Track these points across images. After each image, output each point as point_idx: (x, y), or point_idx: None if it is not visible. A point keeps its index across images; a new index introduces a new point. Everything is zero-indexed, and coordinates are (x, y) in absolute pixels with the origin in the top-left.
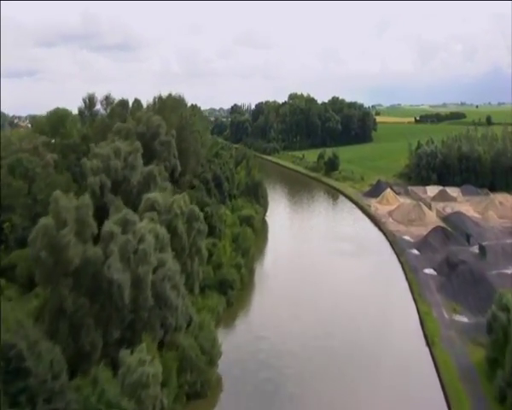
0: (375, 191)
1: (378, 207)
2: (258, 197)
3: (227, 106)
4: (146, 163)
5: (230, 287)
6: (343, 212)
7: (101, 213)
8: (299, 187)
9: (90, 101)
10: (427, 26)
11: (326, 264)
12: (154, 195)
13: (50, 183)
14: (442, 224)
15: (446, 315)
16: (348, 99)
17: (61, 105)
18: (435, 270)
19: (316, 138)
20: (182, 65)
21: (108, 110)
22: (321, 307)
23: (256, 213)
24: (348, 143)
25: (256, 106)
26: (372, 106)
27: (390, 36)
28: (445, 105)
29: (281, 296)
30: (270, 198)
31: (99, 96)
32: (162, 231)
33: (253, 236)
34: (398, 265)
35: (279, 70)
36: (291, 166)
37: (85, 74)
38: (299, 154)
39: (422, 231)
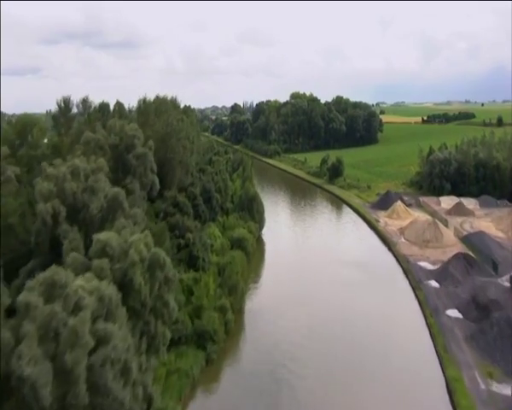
0: (384, 203)
1: (388, 222)
2: (253, 213)
3: (230, 104)
4: (119, 181)
5: (211, 339)
6: (348, 227)
7: (56, 248)
8: (300, 195)
9: (65, 105)
10: (431, 24)
11: (328, 301)
12: (106, 235)
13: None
14: (461, 245)
15: (482, 383)
16: (352, 97)
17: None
18: (460, 311)
19: (319, 140)
20: (185, 62)
21: (86, 115)
22: (318, 369)
23: (250, 232)
24: (353, 145)
25: (257, 105)
26: (376, 104)
27: (394, 33)
28: (449, 103)
29: (274, 345)
30: (268, 209)
31: (105, 92)
32: (110, 290)
33: (245, 261)
34: (414, 302)
35: (282, 68)
36: (292, 170)
37: (88, 72)
38: (301, 157)
39: (440, 254)
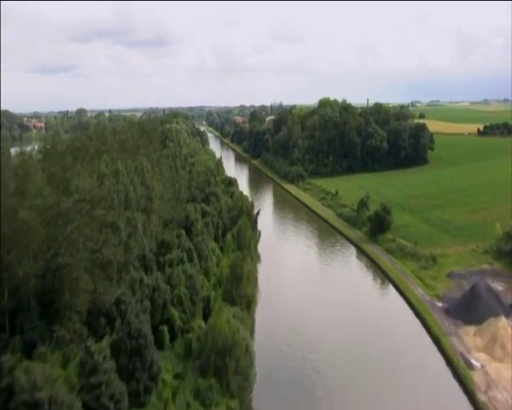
0: (469, 306)
1: (487, 367)
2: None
3: (259, 102)
4: None
5: None
6: (411, 371)
7: None
8: (326, 261)
9: None
10: (467, 19)
11: None
12: None
13: None
14: None
15: None
16: (384, 96)
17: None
18: None
19: (354, 161)
20: (216, 59)
21: None
22: None
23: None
24: (396, 166)
25: (279, 114)
26: (411, 103)
27: (428, 29)
28: (486, 102)
29: None
30: (277, 289)
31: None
32: None
33: None
34: None
35: (314, 65)
36: (318, 208)
37: (120, 70)
38: (330, 184)
39: None
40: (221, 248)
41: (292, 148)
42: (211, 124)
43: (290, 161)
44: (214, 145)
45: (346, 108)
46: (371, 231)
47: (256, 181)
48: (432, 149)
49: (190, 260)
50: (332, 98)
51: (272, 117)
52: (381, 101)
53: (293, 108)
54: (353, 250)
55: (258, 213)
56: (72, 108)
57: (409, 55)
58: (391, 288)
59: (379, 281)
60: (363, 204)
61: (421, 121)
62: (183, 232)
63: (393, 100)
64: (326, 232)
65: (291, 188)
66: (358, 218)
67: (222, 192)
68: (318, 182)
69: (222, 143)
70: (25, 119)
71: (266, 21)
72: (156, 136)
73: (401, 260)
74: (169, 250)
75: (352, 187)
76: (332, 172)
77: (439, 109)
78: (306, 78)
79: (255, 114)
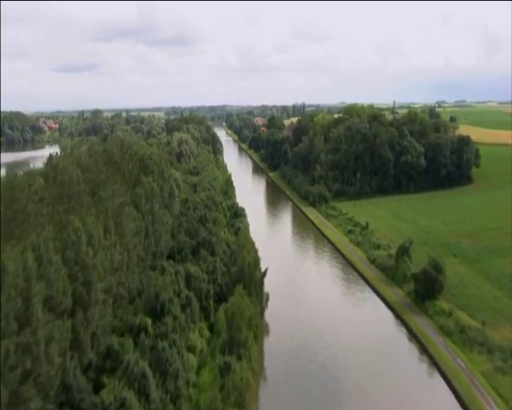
0: None
1: None
2: None
3: (281, 102)
4: None
5: None
6: None
7: None
8: (356, 350)
9: None
10: (493, 17)
11: None
12: None
13: None
14: None
15: None
16: (409, 95)
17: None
18: None
19: (386, 179)
20: (239, 58)
21: None
22: None
23: None
24: (436, 187)
25: (299, 120)
26: (437, 104)
27: (453, 28)
28: None
29: None
30: None
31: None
32: None
33: None
34: None
35: (336, 64)
36: (346, 247)
37: (143, 68)
38: (359, 211)
39: None
40: (211, 329)
41: (313, 163)
42: (230, 126)
43: (311, 177)
44: (232, 149)
45: (375, 116)
46: (416, 293)
47: (272, 201)
48: (477, 165)
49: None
50: (358, 102)
51: (292, 121)
52: (404, 100)
53: (315, 111)
54: (391, 321)
55: (265, 274)
56: (95, 106)
57: (433, 54)
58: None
59: (435, 384)
60: (403, 251)
61: (463, 134)
62: (142, 334)
63: (417, 99)
64: (354, 284)
65: (312, 214)
66: (398, 270)
67: (225, 226)
68: (344, 206)
69: (240, 150)
70: (42, 119)
71: (289, 20)
72: (130, 168)
73: (464, 349)
74: (116, 368)
75: (385, 216)
76: (360, 192)
77: (469, 111)
78: (329, 77)
79: (273, 120)
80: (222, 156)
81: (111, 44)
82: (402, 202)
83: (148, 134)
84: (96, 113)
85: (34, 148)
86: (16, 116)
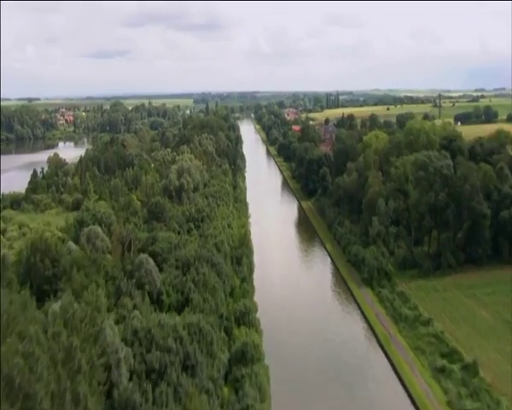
0: None
1: None
2: None
3: (312, 89)
4: None
5: None
6: None
7: None
8: None
9: None
10: None
11: None
12: None
13: None
14: None
15: None
16: (445, 82)
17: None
18: None
19: (479, 245)
20: (270, 44)
21: None
22: None
23: None
24: None
25: (337, 136)
26: (476, 95)
27: (490, 10)
28: None
29: None
30: None
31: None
32: None
33: None
34: None
35: (369, 50)
36: None
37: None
38: (445, 310)
39: None
40: None
41: (367, 209)
42: (259, 120)
43: (363, 229)
44: (257, 150)
45: (451, 138)
46: None
47: (304, 259)
48: None
49: None
50: (393, 89)
51: (328, 118)
52: (440, 87)
53: (349, 102)
54: None
55: None
56: (126, 92)
57: (469, 39)
58: None
59: None
60: None
61: None
62: None
63: (454, 87)
64: None
65: (368, 306)
66: None
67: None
68: (417, 291)
69: (268, 155)
70: (61, 110)
71: (321, 5)
72: None
73: None
74: None
75: (491, 321)
76: (438, 262)
77: None
78: (362, 63)
79: (307, 130)
80: (243, 174)
81: (142, 30)
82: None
83: (163, 136)
84: (116, 105)
85: (46, 146)
86: (27, 110)
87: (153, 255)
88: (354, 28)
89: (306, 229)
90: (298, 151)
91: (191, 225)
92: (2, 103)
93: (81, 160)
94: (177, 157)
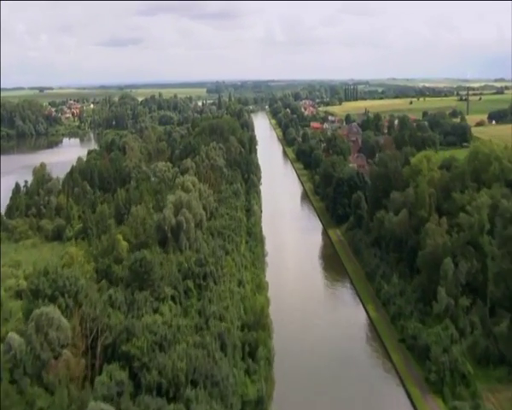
0: None
1: None
2: None
3: (328, 77)
4: None
5: None
6: None
7: None
8: None
9: None
10: None
11: None
12: None
13: None
14: None
15: None
16: (462, 71)
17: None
18: None
19: None
20: (284, 32)
21: None
22: None
23: None
24: None
25: (376, 162)
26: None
27: None
28: None
29: None
30: None
31: (204, 63)
32: None
33: None
34: None
35: (385, 38)
36: None
37: (187, 42)
38: None
39: None
40: None
41: (427, 269)
42: (274, 114)
43: (420, 294)
44: (273, 152)
45: None
46: None
47: (343, 332)
48: None
49: None
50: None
51: (350, 118)
52: (457, 76)
53: (375, 94)
54: None
55: None
56: (139, 80)
57: (486, 27)
58: None
59: None
60: None
61: None
62: None
63: (471, 75)
64: None
65: None
66: None
67: None
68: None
69: (285, 157)
70: (69, 102)
71: None
72: None
73: None
74: None
75: None
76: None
77: None
78: (377, 51)
79: (334, 141)
80: (257, 191)
81: (155, 18)
82: None
83: (169, 136)
84: (125, 97)
85: (49, 142)
86: (30, 104)
87: (127, 358)
88: (369, 16)
89: (338, 272)
90: (324, 166)
91: (189, 283)
92: (15, 92)
93: (71, 171)
94: (177, 179)
